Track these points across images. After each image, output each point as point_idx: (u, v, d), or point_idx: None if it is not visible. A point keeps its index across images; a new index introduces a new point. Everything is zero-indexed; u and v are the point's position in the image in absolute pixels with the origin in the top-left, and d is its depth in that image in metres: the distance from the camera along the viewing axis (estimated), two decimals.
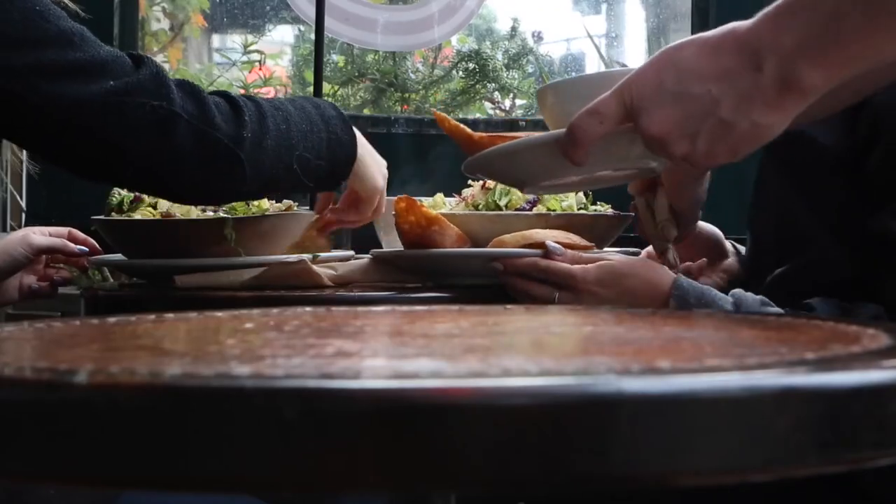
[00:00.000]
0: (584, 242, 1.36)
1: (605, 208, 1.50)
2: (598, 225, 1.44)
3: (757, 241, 1.36)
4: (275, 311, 0.88)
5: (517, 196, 1.43)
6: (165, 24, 3.75)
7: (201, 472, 0.46)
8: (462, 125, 1.20)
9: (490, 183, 1.46)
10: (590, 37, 3.55)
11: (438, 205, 1.47)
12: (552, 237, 1.34)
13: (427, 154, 2.41)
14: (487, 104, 3.52)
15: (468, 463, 0.45)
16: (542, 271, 1.29)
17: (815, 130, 1.21)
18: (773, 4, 0.83)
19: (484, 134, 1.17)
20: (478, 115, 3.36)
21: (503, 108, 3.53)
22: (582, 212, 1.44)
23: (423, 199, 1.47)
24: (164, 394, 0.47)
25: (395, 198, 1.43)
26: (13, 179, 3.66)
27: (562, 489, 0.46)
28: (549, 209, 1.42)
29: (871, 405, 0.50)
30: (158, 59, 3.64)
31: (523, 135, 1.06)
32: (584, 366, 0.57)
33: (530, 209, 1.43)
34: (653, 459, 0.46)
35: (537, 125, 2.88)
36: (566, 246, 1.33)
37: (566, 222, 1.39)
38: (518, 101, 3.53)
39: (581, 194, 1.47)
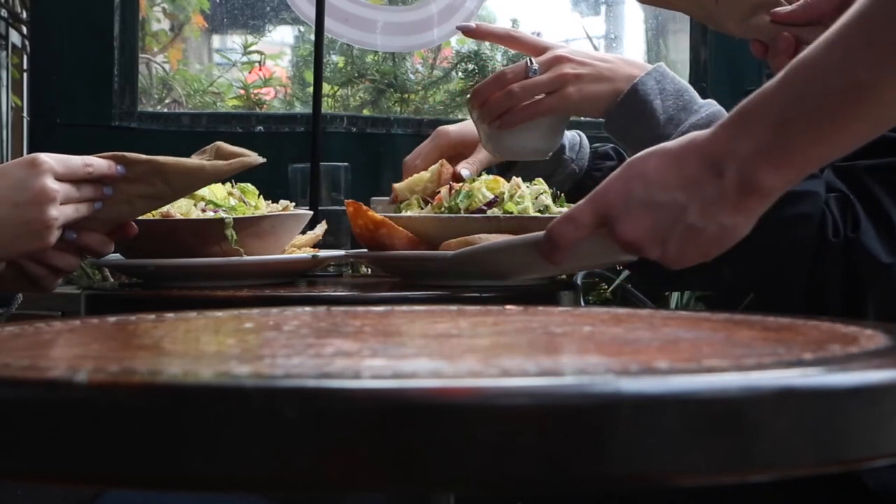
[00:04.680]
0: None
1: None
2: None
3: None
4: (274, 310, 0.88)
5: (478, 198, 1.43)
6: (166, 24, 3.75)
7: (201, 472, 0.46)
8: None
9: (456, 185, 1.47)
10: (589, 38, 3.55)
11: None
12: (494, 241, 1.34)
13: None
14: None
15: (467, 463, 0.45)
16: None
17: None
18: (728, 114, 0.89)
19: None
20: None
21: None
22: (537, 215, 1.43)
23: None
24: (164, 393, 0.47)
25: (346, 201, 1.44)
26: None
27: (561, 489, 0.47)
28: (505, 211, 1.42)
29: (868, 405, 0.50)
30: (159, 59, 3.66)
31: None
32: (583, 366, 0.57)
33: (486, 211, 1.43)
34: (651, 459, 0.46)
35: None
36: None
37: (518, 225, 1.38)
38: None
39: (544, 196, 1.46)
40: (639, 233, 0.93)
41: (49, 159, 1.21)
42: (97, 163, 1.26)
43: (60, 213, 1.20)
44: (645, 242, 0.93)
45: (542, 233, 1.01)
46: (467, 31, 1.43)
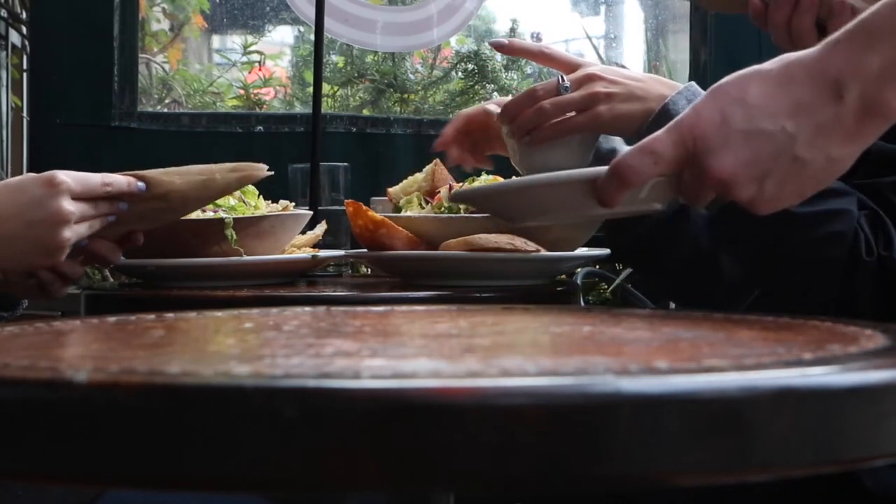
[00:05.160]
0: (529, 246, 1.36)
1: None
2: (553, 228, 1.42)
3: None
4: (274, 310, 0.88)
5: None
6: (165, 24, 3.75)
7: (201, 472, 0.46)
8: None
9: (455, 185, 1.47)
10: (588, 38, 3.55)
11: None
12: (494, 241, 1.34)
13: (426, 155, 2.41)
14: None
15: (467, 462, 0.45)
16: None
17: None
18: (838, 34, 0.80)
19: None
20: None
21: None
22: None
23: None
24: (164, 393, 0.47)
25: (346, 202, 1.44)
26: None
27: (561, 489, 0.47)
28: None
29: (868, 405, 0.50)
30: (158, 59, 3.66)
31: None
32: (583, 366, 0.57)
33: None
34: (651, 459, 0.46)
35: None
36: (509, 250, 1.34)
37: None
38: None
39: None
40: (736, 168, 0.82)
41: (67, 178, 1.20)
42: (117, 181, 1.25)
43: (74, 232, 1.20)
44: (740, 179, 0.82)
45: (596, 169, 0.89)
46: (499, 47, 1.41)
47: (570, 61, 1.35)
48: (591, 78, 1.30)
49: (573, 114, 1.29)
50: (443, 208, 1.45)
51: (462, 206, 1.43)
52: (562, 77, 1.31)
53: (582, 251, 1.49)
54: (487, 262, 1.35)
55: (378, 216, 1.41)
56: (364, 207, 1.42)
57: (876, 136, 0.81)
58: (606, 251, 1.51)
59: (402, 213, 1.48)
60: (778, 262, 1.18)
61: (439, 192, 1.49)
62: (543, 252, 1.38)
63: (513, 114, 1.30)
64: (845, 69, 0.79)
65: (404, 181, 1.54)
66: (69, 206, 1.19)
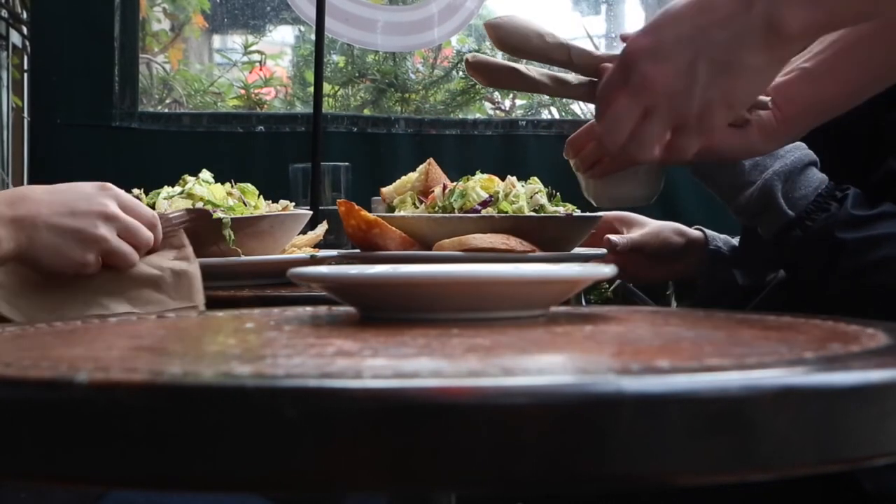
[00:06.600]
0: (523, 247, 1.36)
1: (568, 209, 1.48)
2: (549, 227, 1.41)
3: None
4: (275, 310, 0.88)
5: (472, 198, 1.43)
6: (166, 24, 3.74)
7: (202, 472, 0.46)
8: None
9: (450, 185, 1.46)
10: (589, 37, 3.55)
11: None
12: (489, 242, 1.34)
13: (427, 154, 2.42)
14: (487, 104, 3.52)
15: (468, 462, 0.45)
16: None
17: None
18: None
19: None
20: (478, 116, 3.36)
21: (503, 108, 3.53)
22: (532, 214, 1.43)
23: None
24: (165, 393, 0.47)
25: (338, 201, 1.44)
26: (14, 179, 3.66)
27: (562, 489, 0.47)
28: (500, 211, 1.41)
29: (869, 404, 0.50)
30: (159, 59, 3.65)
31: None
32: (584, 365, 0.57)
33: (480, 211, 1.43)
34: (652, 459, 0.46)
35: (538, 125, 2.88)
36: (504, 251, 1.33)
37: (512, 225, 1.38)
38: (518, 102, 3.53)
39: (539, 195, 1.46)
40: (668, 77, 0.90)
41: (121, 191, 1.26)
42: (159, 228, 1.29)
43: (110, 236, 1.22)
44: (674, 87, 0.90)
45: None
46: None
47: None
48: None
49: None
50: (437, 208, 1.45)
51: (456, 206, 1.43)
52: None
53: (578, 251, 1.48)
54: (481, 262, 1.34)
55: (371, 216, 1.41)
56: (356, 207, 1.41)
57: (789, 55, 0.89)
58: (602, 251, 1.51)
59: (396, 213, 1.47)
60: (829, 298, 1.17)
61: (433, 191, 1.48)
62: (538, 252, 1.37)
63: (577, 148, 1.30)
64: None
65: (398, 181, 1.54)
66: (115, 208, 1.23)
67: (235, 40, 3.74)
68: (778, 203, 1.15)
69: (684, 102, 0.91)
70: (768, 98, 1.02)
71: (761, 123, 1.04)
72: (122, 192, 1.25)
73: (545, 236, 1.40)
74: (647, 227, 1.58)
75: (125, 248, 1.24)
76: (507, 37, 1.08)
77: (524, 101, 3.51)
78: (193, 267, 1.28)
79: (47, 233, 1.19)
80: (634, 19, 3.75)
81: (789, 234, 1.16)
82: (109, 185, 1.25)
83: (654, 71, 0.91)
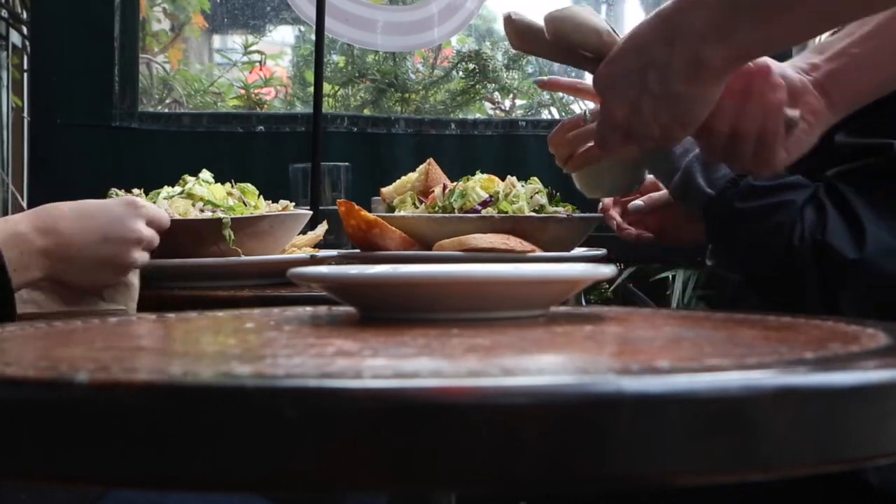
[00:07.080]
0: (523, 247, 1.36)
1: (568, 209, 1.48)
2: (549, 227, 1.42)
3: None
4: (275, 310, 0.88)
5: (472, 198, 1.43)
6: (166, 24, 3.74)
7: (202, 472, 0.46)
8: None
9: (450, 185, 1.46)
10: None
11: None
12: (489, 242, 1.34)
13: (427, 154, 2.42)
14: (487, 104, 3.52)
15: (468, 462, 0.45)
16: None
17: None
18: None
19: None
20: (478, 116, 3.36)
21: (503, 108, 3.53)
22: (532, 214, 1.43)
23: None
24: (165, 393, 0.47)
25: (338, 201, 1.44)
26: (14, 179, 3.67)
27: (562, 489, 0.47)
28: (500, 211, 1.41)
29: (869, 404, 0.50)
30: (159, 59, 3.66)
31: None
32: (584, 365, 0.57)
33: (481, 211, 1.43)
34: (652, 459, 0.46)
35: (538, 125, 2.88)
36: (504, 251, 1.34)
37: (512, 226, 1.38)
38: (518, 102, 3.53)
39: (539, 196, 1.46)
40: (623, 109, 0.97)
41: (147, 204, 1.26)
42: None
43: (140, 257, 1.25)
44: (630, 116, 0.97)
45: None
46: (542, 84, 1.51)
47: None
48: None
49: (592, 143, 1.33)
50: (437, 208, 1.45)
51: (456, 206, 1.43)
52: (587, 111, 1.36)
53: (578, 251, 1.48)
54: (481, 262, 1.34)
55: (371, 216, 1.41)
56: (356, 207, 1.41)
57: (714, 83, 0.94)
58: (602, 251, 1.51)
59: (396, 213, 1.47)
60: (736, 256, 1.24)
61: (433, 191, 1.48)
62: (538, 252, 1.37)
63: (554, 144, 1.37)
64: (677, 20, 0.91)
65: (398, 181, 1.54)
66: (145, 230, 1.24)
67: (235, 40, 3.74)
68: (697, 183, 1.22)
69: (642, 127, 0.98)
70: (797, 113, 1.03)
71: (806, 116, 1.06)
72: (147, 205, 1.26)
73: (545, 236, 1.41)
74: None
75: (145, 258, 1.27)
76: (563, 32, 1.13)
77: (524, 102, 3.51)
78: (135, 278, 1.29)
79: (81, 262, 1.21)
80: (634, 19, 3.75)
81: (709, 213, 1.23)
82: (135, 199, 1.26)
83: (612, 103, 0.99)
